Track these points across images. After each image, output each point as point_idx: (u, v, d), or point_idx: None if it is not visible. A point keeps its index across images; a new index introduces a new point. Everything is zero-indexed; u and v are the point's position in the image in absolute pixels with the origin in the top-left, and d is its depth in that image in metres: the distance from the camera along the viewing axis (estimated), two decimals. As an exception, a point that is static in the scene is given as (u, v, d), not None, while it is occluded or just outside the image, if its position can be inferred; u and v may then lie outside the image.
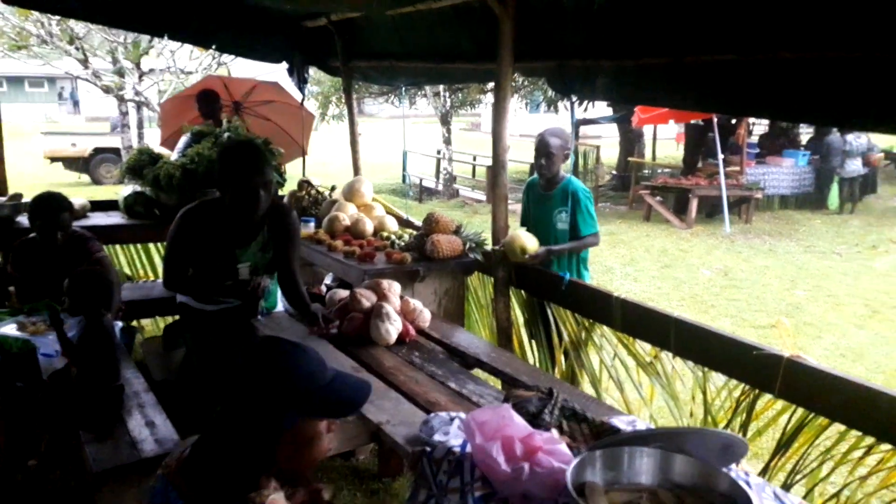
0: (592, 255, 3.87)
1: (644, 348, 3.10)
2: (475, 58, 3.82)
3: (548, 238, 3.56)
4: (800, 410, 2.38)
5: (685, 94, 2.62)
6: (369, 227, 4.01)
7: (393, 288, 2.94)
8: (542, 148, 3.52)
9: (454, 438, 1.77)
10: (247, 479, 1.26)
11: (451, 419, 1.89)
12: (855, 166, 11.96)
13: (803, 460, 2.41)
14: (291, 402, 1.28)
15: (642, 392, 3.16)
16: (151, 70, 13.72)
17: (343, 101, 14.09)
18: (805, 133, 14.79)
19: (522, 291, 3.71)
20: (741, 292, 7.18)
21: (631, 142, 14.53)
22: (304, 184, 4.72)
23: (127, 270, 5.15)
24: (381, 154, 18.61)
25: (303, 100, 6.55)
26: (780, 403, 2.45)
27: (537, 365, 3.65)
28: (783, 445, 2.44)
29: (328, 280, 4.16)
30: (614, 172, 15.32)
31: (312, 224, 4.26)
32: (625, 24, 2.82)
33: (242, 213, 2.67)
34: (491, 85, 14.71)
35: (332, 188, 4.77)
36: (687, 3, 2.52)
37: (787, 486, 2.44)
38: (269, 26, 5.04)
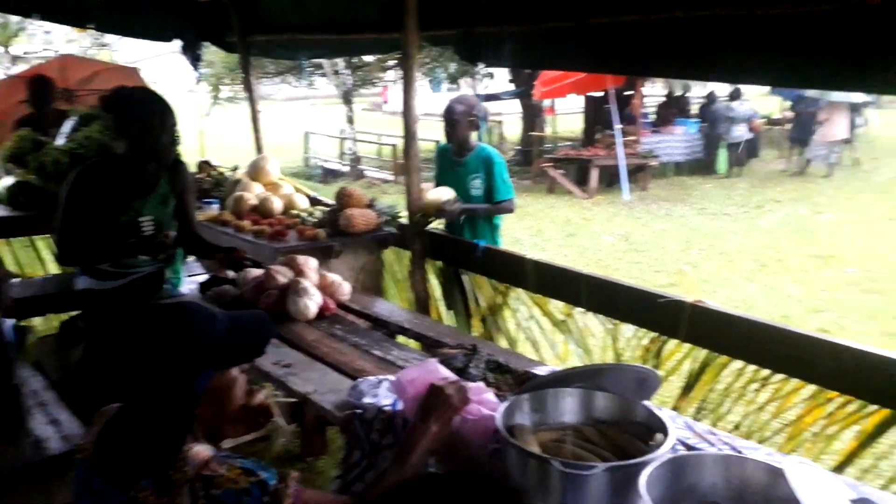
0: (502, 227, 3.94)
1: (558, 307, 3.21)
2: (380, 28, 3.78)
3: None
4: (703, 352, 2.55)
5: (589, 57, 2.72)
6: (278, 205, 3.91)
7: (309, 263, 2.90)
8: (447, 115, 3.56)
9: (384, 399, 1.78)
10: (170, 446, 1.23)
11: (380, 382, 1.90)
12: (740, 132, 12.74)
13: (707, 398, 2.58)
14: (199, 364, 1.26)
15: (557, 349, 3.28)
16: (26, 54, 12.70)
17: (236, 83, 13.60)
18: (696, 102, 15.60)
19: (439, 263, 3.75)
20: (642, 255, 7.55)
21: (532, 117, 14.83)
22: (204, 164, 4.54)
23: (13, 267, 4.79)
24: (281, 137, 18.11)
25: (198, 80, 6.25)
26: (685, 347, 2.61)
27: (456, 332, 3.72)
28: (689, 386, 2.61)
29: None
30: (518, 147, 15.63)
31: (216, 206, 4.10)
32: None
33: (147, 159, 2.52)
34: (393, 63, 14.65)
35: (235, 168, 4.62)
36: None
37: (694, 423, 2.62)
38: (157, 1, 4.78)
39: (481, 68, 13.09)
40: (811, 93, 12.18)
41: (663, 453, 1.33)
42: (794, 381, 2.30)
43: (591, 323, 3.10)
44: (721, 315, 2.41)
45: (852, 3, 1.86)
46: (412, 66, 3.31)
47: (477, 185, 3.59)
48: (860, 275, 6.60)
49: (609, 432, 1.53)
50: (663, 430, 1.43)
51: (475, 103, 3.68)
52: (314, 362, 2.24)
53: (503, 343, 3.50)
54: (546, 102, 14.35)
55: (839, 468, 2.26)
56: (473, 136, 3.68)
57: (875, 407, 2.12)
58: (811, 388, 2.28)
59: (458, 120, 3.54)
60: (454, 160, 3.69)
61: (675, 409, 2.69)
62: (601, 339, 3.05)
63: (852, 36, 1.95)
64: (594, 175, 11.07)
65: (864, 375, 2.09)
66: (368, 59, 14.07)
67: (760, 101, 16.57)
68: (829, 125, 11.98)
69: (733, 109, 12.62)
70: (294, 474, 1.24)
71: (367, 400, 1.81)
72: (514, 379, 1.90)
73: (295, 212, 3.89)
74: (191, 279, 3.36)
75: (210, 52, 7.49)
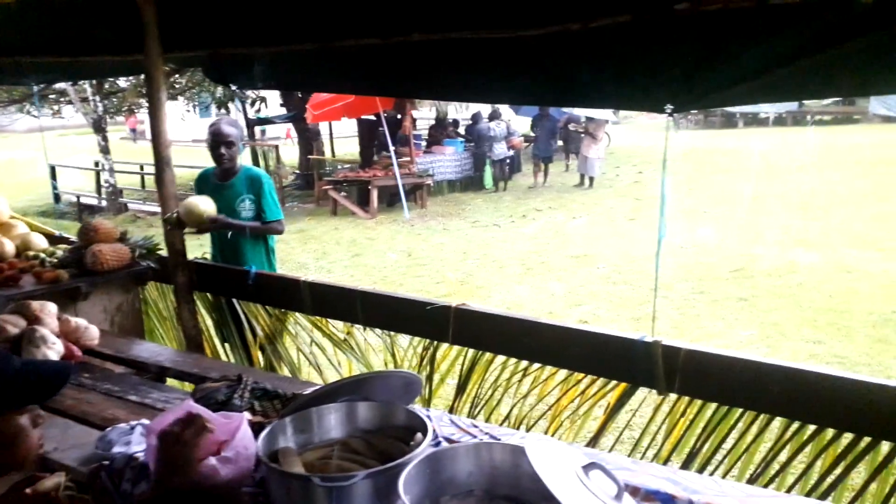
0: (285, 253, 3.88)
1: (338, 327, 3.21)
2: (118, 49, 3.49)
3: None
4: (471, 351, 2.71)
5: (336, 78, 2.77)
6: (9, 247, 3.43)
7: (47, 308, 2.57)
8: (221, 137, 3.42)
9: (136, 445, 1.63)
10: None
11: (132, 428, 1.74)
12: (501, 150, 13.85)
13: (479, 394, 2.74)
14: None
15: (341, 370, 3.27)
16: None
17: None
18: (464, 122, 16.65)
19: (208, 294, 3.54)
20: (424, 269, 7.84)
21: (309, 140, 14.77)
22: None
23: None
24: (21, 172, 15.99)
25: None
26: (456, 349, 2.75)
27: (234, 366, 3.54)
28: (462, 385, 2.75)
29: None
30: (297, 172, 15.43)
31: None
32: (277, 11, 2.85)
33: None
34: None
35: (-46, 211, 3.96)
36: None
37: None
38: None
39: (253, 92, 12.75)
40: (553, 110, 13.67)
41: (420, 452, 1.38)
42: (549, 368, 2.53)
43: (371, 338, 3.14)
44: (481, 315, 2.57)
45: (557, 32, 2.11)
46: (158, 89, 3.11)
47: (247, 207, 3.48)
48: (610, 269, 7.49)
49: (374, 440, 1.55)
50: (423, 429, 1.48)
51: (238, 126, 3.59)
52: (54, 417, 1.98)
53: (286, 371, 3.40)
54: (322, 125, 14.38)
55: (594, 440, 2.54)
56: (237, 158, 3.57)
57: (614, 382, 2.41)
58: (564, 373, 2.53)
59: (234, 142, 3.44)
60: (218, 184, 3.53)
61: (452, 408, 2.82)
62: (382, 353, 3.10)
63: (562, 58, 2.21)
64: (374, 195, 11.31)
65: (605, 356, 2.36)
66: (122, 83, 12.98)
67: (524, 121, 18.24)
68: (591, 141, 13.46)
69: (492, 129, 13.69)
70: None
71: (116, 449, 1.64)
72: (282, 404, 1.84)
73: (32, 253, 3.44)
74: None
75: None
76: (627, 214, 10.59)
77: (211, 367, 2.42)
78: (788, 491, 2.17)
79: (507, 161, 14.21)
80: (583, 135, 13.72)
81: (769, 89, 2.03)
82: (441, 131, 14.77)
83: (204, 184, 3.63)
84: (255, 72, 2.97)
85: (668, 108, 2.07)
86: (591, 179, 13.54)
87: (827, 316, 5.65)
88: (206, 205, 3.23)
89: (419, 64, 2.42)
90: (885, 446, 1.95)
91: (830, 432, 2.03)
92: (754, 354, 2.14)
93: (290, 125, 14.04)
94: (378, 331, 3.00)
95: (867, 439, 1.97)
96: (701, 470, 2.27)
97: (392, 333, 2.94)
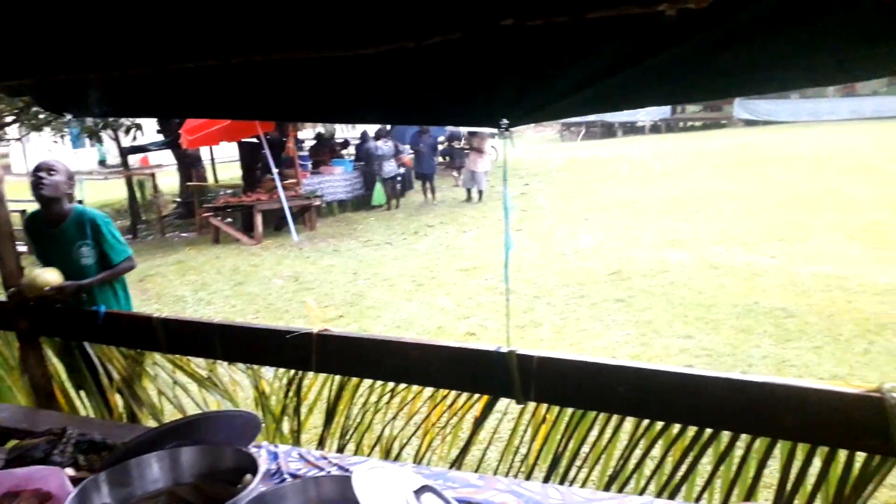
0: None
1: (200, 364, 3.04)
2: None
3: (73, 278, 3.21)
4: (337, 378, 2.63)
5: (176, 102, 2.64)
6: None
7: None
8: (35, 181, 3.17)
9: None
10: None
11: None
12: (391, 168, 13.86)
13: (348, 422, 2.67)
14: None
15: (209, 409, 3.10)
16: None
17: None
18: (353, 141, 16.54)
19: (57, 339, 3.28)
20: (312, 293, 7.66)
21: (188, 167, 14.17)
22: None
23: None
24: None
25: None
26: (321, 377, 2.67)
27: (90, 414, 3.28)
28: (330, 414, 2.67)
29: None
30: (178, 200, 14.76)
31: None
32: (109, 34, 2.69)
33: None
34: (11, 119, 12.65)
35: None
36: (168, 13, 2.52)
37: (341, 447, 2.69)
38: None
39: (128, 119, 12.11)
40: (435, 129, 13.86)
41: (248, 493, 1.30)
42: (416, 387, 2.50)
43: (237, 373, 3.00)
44: (343, 339, 2.51)
45: (393, 50, 2.10)
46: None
47: (85, 254, 3.23)
48: (497, 280, 7.61)
49: (203, 485, 1.45)
50: (253, 469, 1.40)
51: (68, 169, 3.33)
52: None
53: (147, 417, 3.19)
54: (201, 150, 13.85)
55: (463, 454, 2.53)
56: (64, 201, 3.29)
57: (477, 395, 2.41)
58: (430, 390, 2.50)
59: (48, 184, 3.17)
60: (50, 231, 3.27)
61: (322, 438, 2.73)
62: (248, 389, 2.96)
63: (401, 76, 2.20)
64: (259, 220, 10.98)
65: (465, 370, 2.36)
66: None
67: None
68: (476, 155, 13.68)
69: (379, 148, 13.69)
70: None
71: None
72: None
73: None
74: None
75: None
76: (514, 225, 10.84)
77: (42, 420, 2.21)
78: (646, 485, 2.24)
79: (398, 179, 14.24)
80: (468, 150, 13.98)
81: (596, 101, 2.10)
82: (324, 151, 14.61)
83: (35, 228, 3.35)
84: (90, 98, 2.77)
85: (504, 122, 2.10)
86: (481, 193, 13.79)
87: (696, 311, 5.99)
88: (48, 276, 3.02)
89: (263, 85, 2.34)
90: (726, 436, 2.06)
91: (677, 427, 2.12)
92: (601, 357, 2.20)
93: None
94: (241, 365, 2.87)
95: (709, 431, 2.07)
96: (566, 472, 2.32)
97: (255, 366, 2.82)
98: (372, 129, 14.90)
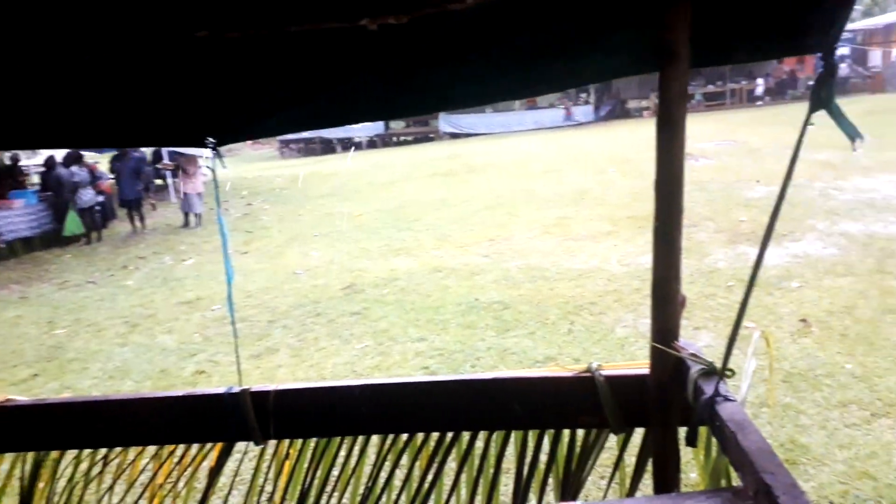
0: None
1: None
2: None
3: None
4: (30, 456, 2.18)
5: None
6: None
7: None
8: None
9: None
10: None
11: None
12: (89, 196, 12.26)
13: (53, 500, 2.23)
14: None
15: None
16: None
17: None
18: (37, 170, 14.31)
19: None
20: (-5, 352, 6.41)
21: None
22: None
23: None
24: None
25: None
26: (7, 458, 2.19)
27: None
28: (26, 498, 2.20)
29: None
30: None
31: None
32: None
33: None
34: None
35: None
36: None
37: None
38: None
39: None
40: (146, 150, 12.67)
41: None
42: (134, 448, 2.17)
43: None
44: (32, 408, 2.08)
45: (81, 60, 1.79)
46: None
47: None
48: (224, 310, 7.14)
49: None
50: None
51: None
52: None
53: None
54: None
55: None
56: None
57: (210, 444, 2.18)
58: (154, 447, 2.20)
59: None
60: None
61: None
62: None
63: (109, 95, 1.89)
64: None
65: (194, 419, 2.11)
66: None
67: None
68: (185, 177, 12.66)
69: (76, 174, 12.06)
70: None
71: None
72: None
73: None
74: None
75: None
76: (239, 248, 10.34)
77: None
78: (398, 498, 2.23)
79: (98, 208, 12.65)
80: (173, 172, 13.02)
81: (309, 117, 2.04)
82: (4, 181, 12.43)
83: None
84: None
85: (211, 141, 1.92)
86: (199, 216, 12.91)
87: (427, 314, 6.28)
88: None
89: None
90: (466, 435, 2.13)
91: (421, 435, 2.14)
92: (341, 378, 2.14)
93: None
94: None
95: (450, 434, 2.13)
96: (317, 503, 2.20)
97: None
98: (60, 153, 13.04)
